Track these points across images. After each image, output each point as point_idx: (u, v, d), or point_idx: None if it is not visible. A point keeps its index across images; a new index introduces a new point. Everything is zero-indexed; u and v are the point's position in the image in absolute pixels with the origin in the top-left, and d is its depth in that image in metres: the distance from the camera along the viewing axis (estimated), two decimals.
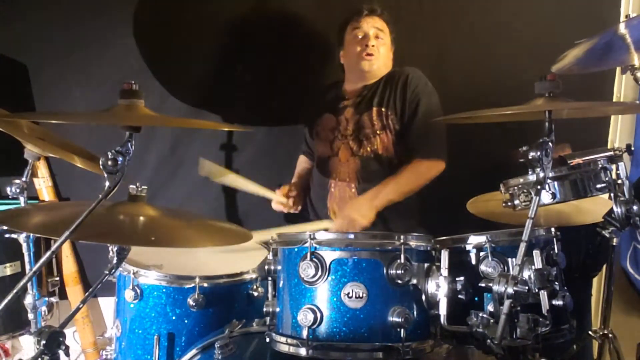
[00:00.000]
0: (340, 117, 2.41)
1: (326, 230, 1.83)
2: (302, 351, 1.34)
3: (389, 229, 2.26)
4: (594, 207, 1.87)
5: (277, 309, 1.44)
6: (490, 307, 1.37)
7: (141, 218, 1.41)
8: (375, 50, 2.35)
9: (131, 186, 1.45)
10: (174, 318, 1.73)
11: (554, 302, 1.37)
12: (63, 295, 2.57)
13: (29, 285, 1.81)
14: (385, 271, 1.35)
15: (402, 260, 1.35)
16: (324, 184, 2.41)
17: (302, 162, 2.65)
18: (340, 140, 2.39)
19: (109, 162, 1.22)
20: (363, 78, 2.41)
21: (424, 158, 2.27)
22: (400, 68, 2.42)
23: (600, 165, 1.54)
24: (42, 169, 2.57)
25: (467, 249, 1.47)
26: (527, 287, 1.28)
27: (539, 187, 1.34)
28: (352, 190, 2.35)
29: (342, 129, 2.39)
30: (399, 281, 1.35)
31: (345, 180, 2.36)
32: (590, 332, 2.01)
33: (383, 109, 2.34)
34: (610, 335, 1.97)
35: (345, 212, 2.20)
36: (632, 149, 1.62)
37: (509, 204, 1.55)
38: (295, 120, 2.71)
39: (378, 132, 2.34)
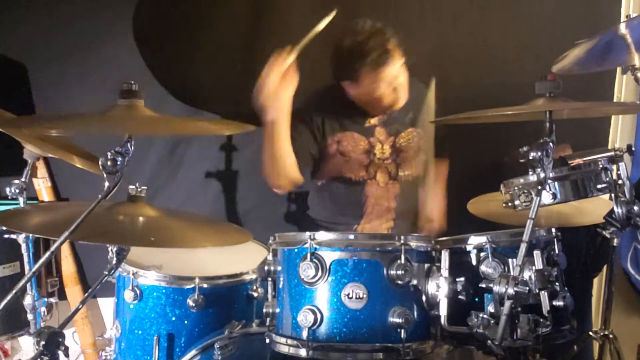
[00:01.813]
0: (371, 139, 2.25)
1: None
2: (302, 352, 1.34)
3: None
4: (595, 208, 1.87)
5: (277, 310, 1.44)
6: (490, 308, 1.36)
7: (140, 218, 1.40)
8: (403, 90, 2.18)
9: (130, 186, 1.45)
10: (173, 319, 1.73)
11: (554, 302, 1.37)
12: (62, 295, 2.57)
13: (28, 285, 1.81)
14: (385, 272, 1.35)
15: (403, 261, 1.35)
16: (357, 204, 2.29)
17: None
18: (377, 164, 2.27)
19: (109, 163, 1.22)
20: (382, 110, 2.24)
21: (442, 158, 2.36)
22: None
23: (600, 166, 1.54)
24: (42, 169, 2.56)
25: (468, 249, 1.47)
26: (527, 288, 1.27)
27: (539, 187, 1.34)
28: (390, 212, 2.31)
29: (378, 152, 2.25)
30: (399, 282, 1.35)
31: (384, 204, 2.29)
32: (590, 333, 2.01)
33: (418, 130, 2.29)
34: (610, 335, 1.97)
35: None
36: (633, 149, 1.62)
37: (510, 204, 1.55)
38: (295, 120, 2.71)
39: (414, 154, 2.30)
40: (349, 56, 2.09)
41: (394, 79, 2.13)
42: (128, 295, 1.72)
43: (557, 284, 1.40)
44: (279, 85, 1.96)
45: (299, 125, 2.21)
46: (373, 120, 2.28)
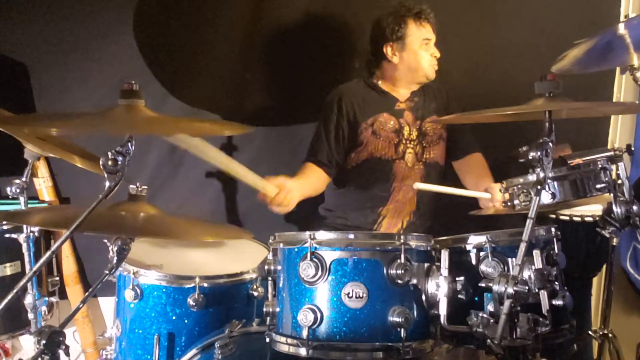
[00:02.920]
0: (401, 120, 2.39)
1: None
2: (302, 351, 1.34)
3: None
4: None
5: (277, 309, 1.44)
6: (490, 307, 1.37)
7: (142, 214, 1.42)
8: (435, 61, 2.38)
9: (131, 186, 1.45)
10: (174, 318, 1.73)
11: (554, 302, 1.37)
12: (63, 295, 2.57)
13: (29, 285, 1.82)
14: (385, 271, 1.35)
15: (402, 260, 1.35)
16: (384, 186, 2.38)
17: (314, 176, 2.38)
18: (405, 145, 2.38)
19: (109, 162, 1.22)
20: (417, 81, 2.41)
21: (478, 151, 2.48)
22: None
23: (600, 166, 1.54)
24: (42, 169, 2.56)
25: (467, 249, 1.47)
26: (527, 287, 1.28)
27: (539, 187, 1.34)
28: (414, 194, 2.38)
29: (406, 132, 2.38)
30: (399, 281, 1.35)
31: (411, 184, 2.33)
32: (590, 332, 2.02)
33: (441, 117, 2.43)
34: (610, 335, 1.97)
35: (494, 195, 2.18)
36: (632, 149, 1.63)
37: (509, 203, 1.55)
38: (295, 120, 2.71)
39: (437, 140, 2.43)
40: (396, 15, 2.35)
41: (432, 42, 2.36)
42: (129, 294, 1.73)
43: (556, 283, 1.40)
44: (285, 204, 2.16)
45: (328, 124, 2.39)
46: (402, 105, 2.42)
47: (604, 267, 2.11)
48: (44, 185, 2.57)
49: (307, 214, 2.54)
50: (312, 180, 2.35)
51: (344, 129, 2.38)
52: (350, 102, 2.39)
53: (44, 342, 1.21)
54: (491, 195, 2.11)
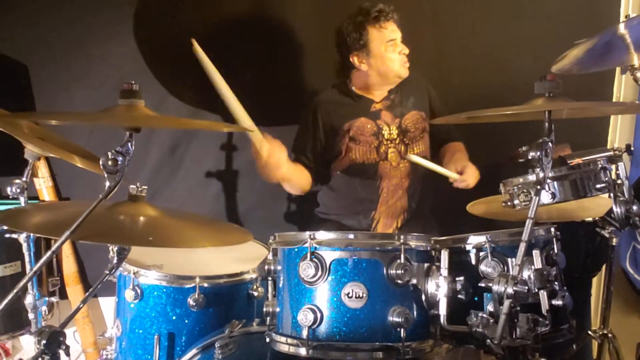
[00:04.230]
0: (378, 121, 2.39)
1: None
2: (302, 351, 1.34)
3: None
4: (595, 204, 1.87)
5: (277, 309, 1.44)
6: (490, 307, 1.37)
7: (141, 218, 1.40)
8: (405, 58, 2.36)
9: (131, 186, 1.45)
10: (174, 318, 1.73)
11: (553, 302, 1.37)
12: (63, 295, 2.57)
13: (29, 285, 1.81)
14: (385, 271, 1.35)
15: (402, 260, 1.35)
16: (372, 189, 2.39)
17: (299, 169, 2.38)
18: (387, 145, 2.39)
19: (109, 162, 1.22)
20: (390, 82, 2.41)
21: (458, 141, 2.51)
22: None
23: (600, 166, 1.54)
24: (43, 169, 2.56)
25: (467, 249, 1.47)
26: (526, 287, 1.28)
27: (538, 187, 1.34)
28: (404, 192, 2.39)
29: (386, 133, 2.38)
30: (399, 281, 1.35)
31: (398, 183, 2.38)
32: (589, 332, 2.02)
33: (422, 113, 2.44)
34: (609, 335, 1.97)
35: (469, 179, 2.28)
36: (632, 149, 1.63)
37: (509, 203, 1.55)
38: (296, 120, 2.71)
39: (420, 135, 2.43)
40: (355, 22, 2.33)
41: (397, 38, 2.33)
42: (129, 294, 1.73)
43: (556, 283, 1.40)
44: (273, 166, 2.13)
45: (303, 130, 2.43)
46: (378, 105, 2.43)
47: (604, 267, 2.11)
48: (44, 185, 2.57)
49: (307, 214, 2.54)
50: (298, 170, 2.35)
51: (321, 139, 2.41)
52: (326, 111, 2.41)
53: (44, 342, 1.21)
54: (463, 175, 2.24)
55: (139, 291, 1.73)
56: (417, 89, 2.47)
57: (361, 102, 2.43)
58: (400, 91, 2.44)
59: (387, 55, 2.33)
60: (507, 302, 1.27)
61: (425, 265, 1.41)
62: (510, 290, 1.26)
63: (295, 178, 2.31)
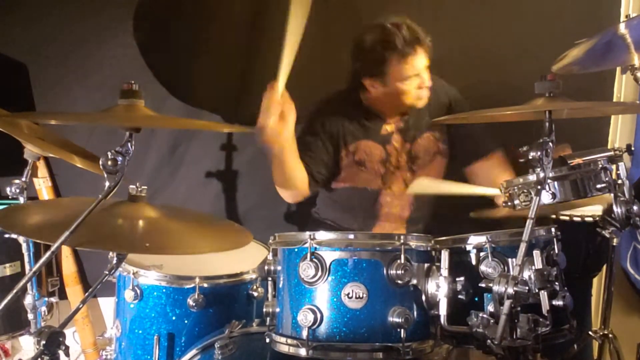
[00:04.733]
0: (388, 147, 2.21)
1: None
2: (302, 351, 1.34)
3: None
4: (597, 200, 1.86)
5: (277, 310, 1.44)
6: (490, 308, 1.37)
7: (140, 222, 1.39)
8: (426, 87, 2.13)
9: (131, 186, 1.45)
10: (173, 318, 1.73)
11: (554, 302, 1.37)
12: (63, 295, 2.57)
13: (28, 285, 1.81)
14: (385, 271, 1.35)
15: (402, 261, 1.35)
16: (370, 214, 2.26)
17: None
18: (393, 173, 2.23)
19: (109, 162, 1.22)
20: (401, 110, 2.20)
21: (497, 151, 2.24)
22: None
23: (600, 166, 1.54)
24: (42, 169, 2.56)
25: (467, 249, 1.47)
26: (527, 288, 1.28)
27: (539, 187, 1.34)
28: (403, 220, 2.28)
29: (394, 160, 2.21)
30: (399, 281, 1.35)
31: (397, 212, 2.26)
32: (590, 333, 2.01)
33: (436, 134, 2.25)
34: (610, 335, 1.97)
35: None
36: (632, 149, 1.62)
37: (509, 203, 1.55)
38: (296, 121, 2.71)
39: (430, 160, 2.26)
40: (375, 49, 2.06)
41: (420, 72, 2.08)
42: (128, 294, 1.73)
43: (556, 283, 1.40)
44: (278, 121, 1.85)
45: (310, 137, 2.19)
46: (389, 128, 2.23)
47: (604, 267, 2.11)
48: (43, 186, 2.57)
49: (307, 215, 2.53)
50: (300, 165, 2.09)
51: (328, 148, 2.19)
52: (336, 123, 2.19)
53: (43, 342, 1.21)
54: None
55: (138, 291, 1.73)
56: (434, 100, 2.22)
57: (371, 121, 2.21)
58: (415, 110, 2.21)
59: (403, 87, 2.09)
60: (507, 303, 1.26)
61: (426, 265, 1.41)
62: (510, 290, 1.26)
63: (298, 172, 2.08)
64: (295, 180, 2.10)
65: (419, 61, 2.07)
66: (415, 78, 2.08)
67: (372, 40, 2.08)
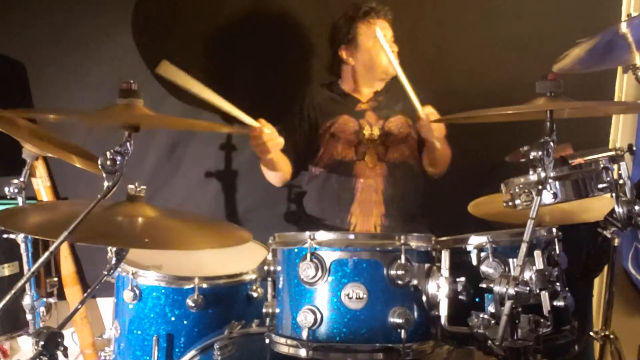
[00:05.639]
0: (361, 121, 2.40)
1: None
2: (302, 352, 1.34)
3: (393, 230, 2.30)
4: (598, 205, 1.86)
5: (277, 310, 1.44)
6: (491, 308, 1.36)
7: (139, 219, 1.39)
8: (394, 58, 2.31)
9: (130, 186, 1.44)
10: (173, 319, 1.73)
11: (555, 303, 1.36)
12: (61, 296, 2.57)
13: (27, 285, 1.81)
14: (385, 272, 1.34)
15: (403, 261, 1.34)
16: (347, 187, 2.38)
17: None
18: (366, 145, 2.38)
19: (108, 162, 1.22)
20: (377, 78, 2.42)
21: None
22: None
23: (601, 165, 1.53)
24: (41, 169, 2.56)
25: (468, 249, 1.46)
26: (528, 288, 1.27)
27: (540, 187, 1.34)
28: (379, 194, 2.36)
29: (367, 133, 2.38)
30: (400, 282, 1.34)
31: (373, 185, 2.36)
32: (591, 333, 2.01)
33: (408, 119, 2.41)
34: (611, 336, 1.96)
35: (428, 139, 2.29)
36: (634, 148, 1.62)
37: (510, 203, 1.54)
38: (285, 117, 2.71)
39: (404, 138, 2.40)
40: (346, 17, 2.40)
41: (388, 37, 2.33)
42: (127, 295, 1.72)
43: (557, 284, 1.40)
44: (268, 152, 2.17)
45: (289, 123, 2.41)
46: (363, 105, 2.44)
47: (606, 267, 2.10)
48: (42, 185, 2.57)
49: (307, 215, 2.53)
50: (284, 157, 2.34)
51: (306, 132, 2.42)
52: (312, 106, 2.43)
53: (42, 343, 1.21)
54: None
55: (137, 292, 1.72)
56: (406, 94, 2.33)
57: (347, 100, 2.45)
58: (389, 94, 2.44)
59: (373, 50, 2.34)
60: (508, 303, 1.26)
61: (426, 265, 1.40)
62: (511, 291, 1.25)
63: (283, 163, 2.34)
64: (280, 168, 2.36)
65: (385, 27, 2.36)
66: (382, 51, 2.30)
67: (343, 14, 2.42)
